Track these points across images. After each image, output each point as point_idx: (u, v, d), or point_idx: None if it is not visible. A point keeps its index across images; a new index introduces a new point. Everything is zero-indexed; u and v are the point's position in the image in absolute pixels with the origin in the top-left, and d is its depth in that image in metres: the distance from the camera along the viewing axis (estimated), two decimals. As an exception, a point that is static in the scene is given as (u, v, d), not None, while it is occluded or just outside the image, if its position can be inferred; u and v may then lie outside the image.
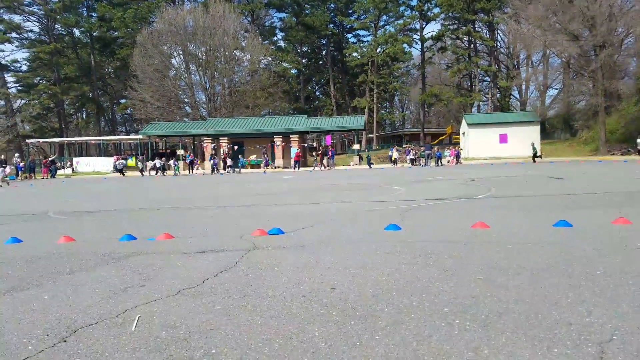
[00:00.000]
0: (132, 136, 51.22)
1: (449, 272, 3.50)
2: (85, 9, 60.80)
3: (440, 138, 58.25)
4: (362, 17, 59.64)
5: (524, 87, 55.58)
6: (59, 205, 11.01)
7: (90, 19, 60.07)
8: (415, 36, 56.57)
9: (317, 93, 72.59)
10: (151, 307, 2.89)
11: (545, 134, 43.27)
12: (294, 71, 63.46)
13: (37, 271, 4.07)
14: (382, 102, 65.01)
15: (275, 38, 65.57)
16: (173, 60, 52.21)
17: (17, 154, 38.78)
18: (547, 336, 2.26)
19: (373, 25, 57.16)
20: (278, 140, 38.02)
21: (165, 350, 2.23)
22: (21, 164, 34.31)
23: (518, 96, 57.14)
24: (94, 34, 59.78)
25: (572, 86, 43.32)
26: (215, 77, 49.55)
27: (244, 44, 51.41)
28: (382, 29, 57.54)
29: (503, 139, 38.05)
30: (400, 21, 56.47)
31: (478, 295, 2.91)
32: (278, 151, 37.47)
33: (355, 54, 58.26)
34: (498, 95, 53.76)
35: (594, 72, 35.53)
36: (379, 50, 54.47)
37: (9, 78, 61.09)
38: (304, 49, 65.83)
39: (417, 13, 54.87)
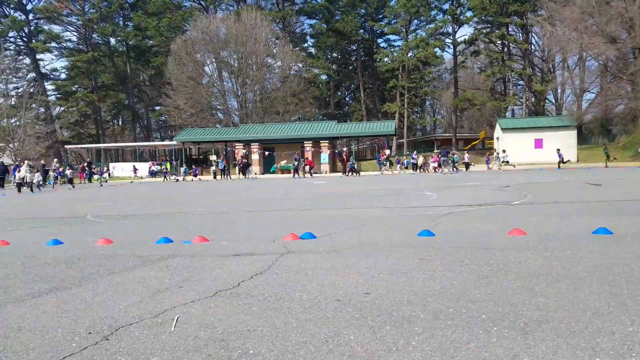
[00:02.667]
0: (166, 142, 52.50)
1: (486, 279, 3.43)
2: (121, 18, 62.83)
3: (473, 143, 57.19)
4: (392, 22, 59.38)
5: (559, 91, 54.02)
6: (97, 209, 11.39)
7: (126, 28, 62.05)
8: (447, 40, 55.90)
9: (347, 99, 72.57)
10: (189, 308, 2.95)
11: (582, 139, 41.86)
12: (324, 77, 63.70)
13: (78, 272, 4.22)
14: (413, 107, 64.36)
15: (305, 44, 66.02)
16: (206, 68, 53.31)
17: (55, 160, 40.44)
18: (588, 345, 2.19)
19: (404, 29, 56.80)
20: (308, 145, 38.20)
21: (204, 349, 2.27)
22: (60, 169, 35.66)
23: (553, 100, 55.58)
24: (130, 42, 61.70)
25: (610, 90, 41.77)
26: (247, 84, 50.28)
27: (275, 51, 52.00)
28: (413, 34, 57.09)
29: (538, 144, 37.01)
30: (432, 25, 55.92)
31: (516, 302, 2.84)
32: (308, 156, 37.63)
33: (386, 59, 57.99)
34: (533, 99, 52.43)
35: (633, 75, 34.21)
36: (410, 54, 54.05)
37: (49, 86, 63.75)
38: (334, 54, 66.01)
39: (449, 17, 54.22)
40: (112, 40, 63.42)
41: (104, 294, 3.40)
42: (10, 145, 47.25)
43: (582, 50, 41.32)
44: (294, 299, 3.08)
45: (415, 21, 58.01)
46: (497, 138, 41.20)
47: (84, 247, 5.60)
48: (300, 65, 56.61)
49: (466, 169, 30.62)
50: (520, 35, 52.91)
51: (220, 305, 2.99)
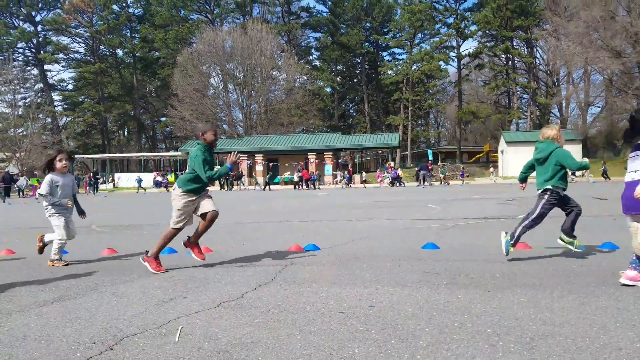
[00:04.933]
0: (171, 153, 52.76)
1: (491, 292, 3.41)
2: (128, 30, 63.67)
3: (477, 156, 57.13)
4: (397, 36, 59.85)
5: (564, 104, 54.02)
6: (101, 219, 11.43)
7: (133, 40, 62.82)
8: (451, 53, 56.22)
9: (351, 111, 72.88)
10: (193, 319, 2.95)
11: (587, 153, 41.76)
12: (328, 89, 64.09)
13: (82, 282, 4.23)
14: (417, 119, 64.53)
15: (310, 57, 66.63)
16: (212, 80, 53.80)
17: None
18: (597, 361, 2.17)
19: (408, 43, 57.20)
20: (312, 157, 38.31)
21: (208, 361, 2.27)
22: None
23: (558, 114, 55.54)
24: (137, 54, 62.43)
25: (615, 104, 41.76)
26: (252, 96, 50.64)
27: (280, 64, 52.46)
28: (418, 47, 57.51)
29: (543, 157, 36.85)
30: (437, 39, 56.31)
31: (522, 316, 2.82)
32: (311, 168, 37.72)
33: (390, 72, 58.33)
34: (537, 112, 52.46)
35: (639, 89, 34.20)
36: (414, 67, 54.36)
37: (56, 97, 64.48)
38: (339, 67, 66.49)
39: (453, 31, 54.61)
40: (120, 52, 64.21)
41: (108, 304, 3.40)
42: (17, 155, 47.59)
43: (587, 65, 41.42)
44: (298, 310, 3.07)
45: (420, 35, 58.45)
46: (502, 151, 41.18)
47: (89, 257, 5.61)
48: (305, 78, 57.05)
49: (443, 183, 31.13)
50: (525, 49, 53.14)
51: (224, 317, 2.98)
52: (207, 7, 62.31)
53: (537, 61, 54.58)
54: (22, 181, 32.86)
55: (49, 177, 5.18)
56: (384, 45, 64.26)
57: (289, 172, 38.38)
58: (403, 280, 3.86)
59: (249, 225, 9.05)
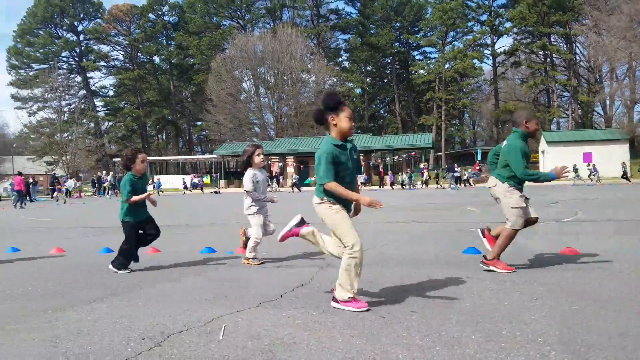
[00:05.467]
0: (207, 156, 53.90)
1: (540, 299, 3.30)
2: (164, 38, 65.54)
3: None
4: (428, 34, 59.09)
5: (608, 102, 51.90)
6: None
7: (169, 47, 64.62)
8: (486, 51, 55.06)
9: (382, 111, 72.37)
10: (235, 318, 3.01)
11: (634, 153, 39.90)
12: (358, 90, 63.91)
13: (129, 279, 4.38)
14: (451, 119, 63.40)
15: (340, 59, 66.61)
16: (244, 84, 54.69)
17: (104, 172, 42.19)
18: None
19: (440, 41, 56.36)
20: (344, 158, 38.30)
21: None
22: (110, 180, 37.07)
23: (602, 112, 53.42)
24: (173, 61, 64.18)
25: (664, 100, 39.81)
26: (283, 99, 51.12)
27: (310, 66, 52.74)
28: (450, 45, 56.56)
29: (587, 157, 35.44)
30: (470, 36, 55.24)
31: (573, 325, 2.72)
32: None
33: (421, 71, 57.61)
34: (579, 111, 50.59)
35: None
36: (447, 66, 53.49)
37: (98, 102, 67.11)
38: (369, 68, 66.21)
39: (487, 28, 53.46)
40: (156, 59, 66.18)
41: (154, 302, 3.51)
42: (63, 158, 49.72)
43: (632, 60, 39.67)
44: (338, 313, 3.08)
45: (452, 33, 57.47)
46: (543, 151, 39.94)
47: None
48: (335, 80, 57.12)
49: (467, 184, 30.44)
50: (564, 45, 51.38)
51: (264, 316, 3.03)
52: (239, 13, 63.41)
53: (577, 57, 52.68)
54: (70, 182, 34.30)
55: (250, 172, 4.99)
56: (414, 44, 63.56)
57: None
58: (446, 286, 3.81)
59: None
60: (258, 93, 53.83)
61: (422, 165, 37.11)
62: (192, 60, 63.86)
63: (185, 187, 37.30)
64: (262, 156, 5.12)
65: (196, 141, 73.84)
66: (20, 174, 22.24)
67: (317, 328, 2.76)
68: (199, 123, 65.20)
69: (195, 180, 39.36)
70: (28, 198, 22.98)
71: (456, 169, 32.15)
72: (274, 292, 3.67)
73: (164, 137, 74.06)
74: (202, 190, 35.97)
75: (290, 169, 39.45)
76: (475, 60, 53.08)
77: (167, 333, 2.73)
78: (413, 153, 42.04)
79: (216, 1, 60.45)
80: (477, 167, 34.51)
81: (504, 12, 53.19)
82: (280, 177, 36.51)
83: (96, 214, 15.49)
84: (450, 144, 67.62)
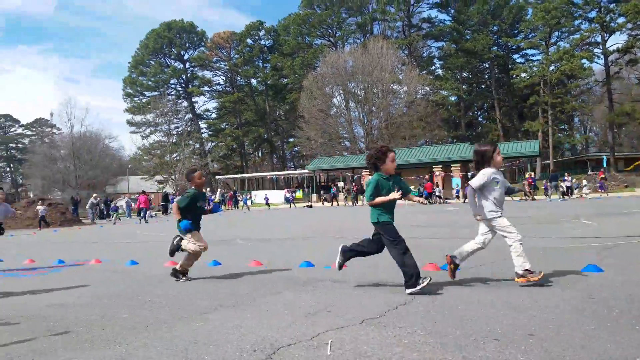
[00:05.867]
0: (299, 171, 55.55)
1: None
2: (261, 61, 69.24)
3: (636, 163, 49.77)
4: (530, 36, 55.61)
5: None
6: (244, 232, 12.40)
7: (265, 69, 68.12)
8: (596, 50, 50.32)
9: (480, 119, 69.13)
10: (340, 334, 3.01)
11: None
12: (453, 98, 61.83)
13: (237, 291, 4.60)
14: (559, 124, 58.65)
15: (433, 67, 65.11)
16: (334, 100, 55.65)
17: (208, 189, 45.28)
18: None
19: (544, 42, 52.66)
20: (438, 169, 37.09)
21: (362, 378, 2.28)
22: (212, 197, 39.73)
23: None
24: (268, 82, 67.50)
25: None
26: (373, 112, 51.12)
27: (401, 77, 52.22)
28: (555, 46, 52.64)
29: None
30: (577, 35, 50.94)
31: None
32: (438, 181, 36.49)
33: (524, 75, 54.17)
34: None
35: None
36: (552, 68, 49.74)
37: (202, 125, 72.57)
38: (464, 74, 63.84)
39: (597, 25, 48.91)
40: (253, 81, 70.13)
41: (261, 314, 3.65)
42: (172, 177, 54.35)
43: None
44: (447, 334, 2.94)
45: (557, 33, 53.45)
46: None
47: (239, 268, 6.11)
48: (428, 89, 55.84)
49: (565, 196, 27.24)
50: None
51: (370, 334, 2.98)
52: (330, 31, 65.01)
53: None
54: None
55: (488, 171, 4.43)
56: (514, 47, 60.13)
57: (412, 186, 37.63)
58: (565, 307, 3.47)
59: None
60: (348, 107, 54.47)
61: (527, 175, 34.65)
62: (285, 80, 66.64)
63: (267, 203, 38.40)
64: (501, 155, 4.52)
65: (289, 157, 76.49)
66: (144, 192, 25.05)
67: (426, 349, 2.66)
68: (291, 140, 67.55)
69: (288, 195, 40.66)
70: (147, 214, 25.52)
71: (566, 178, 29.49)
72: (376, 310, 3.61)
73: (260, 154, 77.74)
74: (292, 205, 36.85)
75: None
76: (584, 60, 48.73)
77: (276, 346, 2.81)
78: (518, 162, 39.47)
79: (309, 22, 62.67)
80: (602, 176, 31.19)
81: (616, 7, 48.34)
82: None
83: (202, 229, 16.57)
84: (559, 150, 62.53)
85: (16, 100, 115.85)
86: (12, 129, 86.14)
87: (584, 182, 30.19)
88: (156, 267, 6.71)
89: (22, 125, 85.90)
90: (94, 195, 31.62)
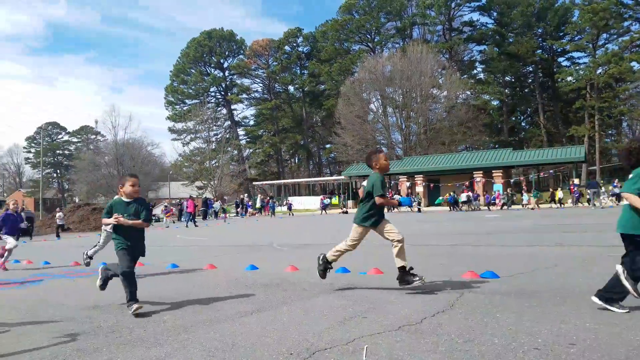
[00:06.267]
0: (335, 177, 55.61)
1: None
2: (298, 67, 69.96)
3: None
4: (576, 39, 53.66)
5: None
6: (280, 238, 12.54)
7: (302, 76, 68.75)
8: (647, 51, 47.90)
9: (524, 124, 67.07)
10: (376, 339, 3.00)
11: None
12: (495, 102, 60.32)
13: (273, 295, 4.66)
14: (606, 129, 56.14)
15: (474, 71, 63.74)
16: (372, 105, 55.45)
17: (246, 195, 46.06)
18: None
19: (591, 45, 50.67)
20: (478, 176, 36.23)
21: (397, 384, 2.27)
22: (249, 203, 40.47)
23: None
24: (305, 89, 68.07)
25: None
26: (411, 117, 50.58)
27: (441, 81, 51.46)
28: (603, 49, 50.54)
29: None
30: (626, 37, 48.74)
31: None
32: (478, 187, 35.64)
33: (569, 78, 52.24)
34: None
35: None
36: (599, 71, 47.75)
37: (240, 132, 73.94)
38: (507, 78, 62.19)
39: (648, 26, 46.65)
40: (291, 88, 70.89)
41: (297, 318, 3.68)
42: (211, 183, 55.63)
43: None
44: (485, 342, 2.87)
45: (604, 35, 51.32)
46: None
47: (275, 273, 6.18)
48: (469, 93, 54.73)
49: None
50: None
51: (405, 340, 2.96)
52: (368, 36, 64.88)
53: None
54: (217, 204, 38.19)
55: None
56: (559, 50, 58.11)
57: (452, 192, 36.85)
58: (609, 317, 3.33)
59: (414, 248, 8.91)
60: (385, 113, 54.12)
61: (573, 182, 33.30)
62: (322, 86, 67.00)
63: (290, 209, 38.38)
64: None
65: (325, 163, 76.72)
66: (192, 198, 25.93)
67: (463, 357, 2.61)
68: (328, 146, 67.76)
69: (325, 201, 40.76)
70: (188, 218, 26.27)
71: (616, 184, 28.14)
72: (413, 317, 3.58)
73: (297, 160, 78.37)
74: (323, 211, 36.74)
75: (419, 188, 38.62)
76: (633, 63, 46.51)
77: (312, 350, 2.83)
78: (562, 168, 38.04)
79: (347, 27, 62.85)
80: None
81: (670, 4, 45.97)
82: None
83: (240, 234, 16.91)
84: (607, 156, 59.80)
85: (62, 108, 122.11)
86: (59, 136, 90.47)
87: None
88: (196, 271, 6.89)
89: (68, 133, 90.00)
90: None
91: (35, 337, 3.40)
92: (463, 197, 31.26)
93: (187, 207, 25.15)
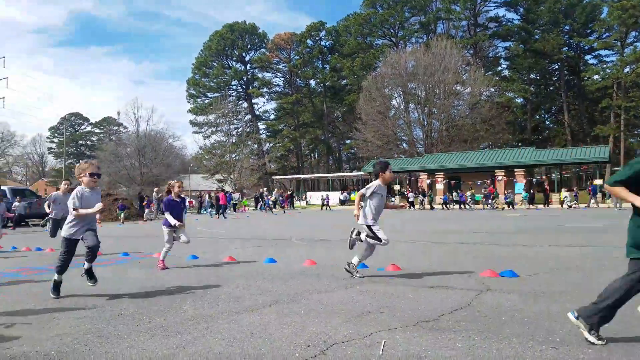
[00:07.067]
0: (354, 173, 55.46)
1: None
2: (320, 62, 69.80)
3: None
4: (604, 36, 52.22)
5: None
6: (299, 232, 12.61)
7: (324, 70, 68.59)
8: (678, 49, 46.35)
9: (548, 122, 65.73)
10: (393, 335, 3.01)
11: None
12: (519, 100, 59.21)
13: (291, 289, 4.71)
14: (632, 128, 54.65)
15: (499, 68, 62.62)
16: (393, 101, 54.99)
17: (265, 189, 46.29)
18: None
19: (619, 43, 49.25)
20: (500, 174, 35.69)
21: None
22: (269, 198, 40.61)
23: None
24: (327, 83, 67.90)
25: None
26: (433, 114, 50.03)
27: (465, 78, 50.72)
28: (631, 47, 49.08)
29: None
30: (656, 34, 47.28)
31: None
32: (500, 186, 35.11)
33: (596, 77, 50.96)
34: None
35: None
36: (627, 70, 46.44)
37: (261, 126, 74.28)
38: (532, 75, 60.94)
39: (680, 23, 45.08)
40: (312, 83, 70.78)
41: (315, 311, 3.72)
42: (231, 176, 56.11)
43: None
44: (503, 340, 2.87)
45: (633, 32, 49.81)
46: None
47: (293, 266, 6.24)
48: (493, 90, 53.81)
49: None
50: None
51: (423, 336, 2.97)
52: (392, 31, 64.29)
53: None
54: (235, 195, 38.54)
55: None
56: (586, 47, 56.66)
57: (473, 190, 36.38)
58: (630, 319, 3.28)
59: (433, 245, 8.87)
60: (407, 109, 53.64)
61: (596, 182, 32.56)
62: (344, 81, 66.74)
63: (327, 203, 38.31)
64: None
65: (345, 159, 76.58)
66: (223, 190, 26.97)
67: (481, 354, 2.61)
68: (348, 141, 67.58)
69: (342, 196, 40.73)
70: (222, 210, 27.16)
71: None
72: (430, 313, 3.58)
73: (316, 155, 78.40)
74: (327, 207, 36.49)
75: (439, 186, 38.26)
76: (663, 62, 45.09)
77: (329, 342, 2.87)
78: (585, 168, 37.19)
79: (370, 22, 62.39)
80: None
81: None
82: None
83: (259, 227, 17.05)
84: (631, 157, 58.16)
85: (85, 99, 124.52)
86: (82, 127, 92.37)
87: None
88: (216, 262, 7.00)
89: (91, 124, 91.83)
90: (155, 189, 33.18)
91: (59, 324, 3.52)
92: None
93: (219, 199, 27.25)
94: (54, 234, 8.45)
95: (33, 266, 6.96)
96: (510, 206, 29.78)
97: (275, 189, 41.74)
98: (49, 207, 8.77)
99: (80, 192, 4.49)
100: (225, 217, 24.95)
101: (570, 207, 27.51)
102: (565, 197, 29.04)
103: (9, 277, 5.96)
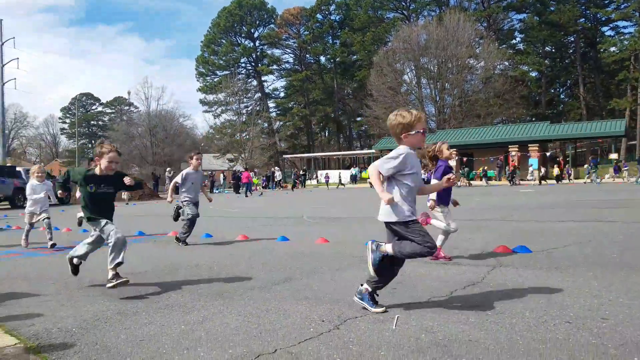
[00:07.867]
0: (365, 151, 55.19)
1: None
2: (330, 37, 68.76)
3: None
4: (622, 7, 50.56)
5: None
6: (310, 211, 12.68)
7: (334, 46, 67.62)
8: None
9: (562, 96, 64.44)
10: (406, 309, 3.05)
11: None
12: (534, 74, 58.00)
13: (304, 265, 4.78)
14: (649, 102, 53.40)
15: (513, 41, 61.16)
16: (405, 76, 54.22)
17: (276, 168, 46.38)
18: None
19: (637, 14, 47.72)
20: (513, 150, 35.29)
21: (428, 352, 2.32)
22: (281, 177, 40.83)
23: None
24: (337, 59, 67.03)
25: None
26: (446, 89, 49.30)
27: (478, 51, 49.69)
28: (650, 17, 47.58)
29: None
30: (678, 3, 45.63)
31: None
32: (513, 162, 34.74)
33: (613, 49, 49.60)
34: None
35: None
36: (645, 41, 45.13)
37: (271, 104, 73.91)
38: (547, 48, 59.48)
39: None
40: (322, 59, 69.90)
41: (328, 287, 3.78)
42: (242, 155, 56.24)
43: None
44: (516, 315, 2.89)
45: (653, 2, 48.15)
46: None
47: (306, 245, 6.30)
48: (507, 64, 52.72)
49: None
50: None
51: (435, 312, 3.00)
52: (403, 3, 62.91)
53: None
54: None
55: None
56: (604, 19, 54.98)
57: (486, 167, 36.06)
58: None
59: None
60: (419, 84, 52.90)
61: (612, 157, 32.05)
62: (355, 57, 65.77)
63: (340, 182, 38.45)
64: None
65: (355, 137, 76.17)
66: (247, 169, 27.81)
67: (493, 329, 2.64)
68: (359, 119, 67.06)
69: (351, 172, 40.71)
70: (247, 189, 27.76)
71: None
72: (442, 289, 3.61)
73: (327, 134, 78.05)
74: (341, 184, 36.48)
75: (452, 162, 37.96)
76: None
77: (343, 317, 2.92)
78: (601, 142, 36.57)
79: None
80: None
81: None
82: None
83: (271, 206, 17.18)
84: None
85: (96, 79, 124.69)
86: (93, 107, 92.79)
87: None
88: (229, 241, 7.09)
89: (102, 104, 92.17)
90: (168, 169, 33.44)
91: (79, 301, 3.62)
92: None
93: (243, 177, 29.11)
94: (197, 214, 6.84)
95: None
96: (544, 180, 29.94)
97: (276, 169, 41.82)
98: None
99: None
100: (246, 196, 26.02)
101: (597, 181, 27.16)
102: (590, 171, 28.96)
103: (28, 256, 6.12)
